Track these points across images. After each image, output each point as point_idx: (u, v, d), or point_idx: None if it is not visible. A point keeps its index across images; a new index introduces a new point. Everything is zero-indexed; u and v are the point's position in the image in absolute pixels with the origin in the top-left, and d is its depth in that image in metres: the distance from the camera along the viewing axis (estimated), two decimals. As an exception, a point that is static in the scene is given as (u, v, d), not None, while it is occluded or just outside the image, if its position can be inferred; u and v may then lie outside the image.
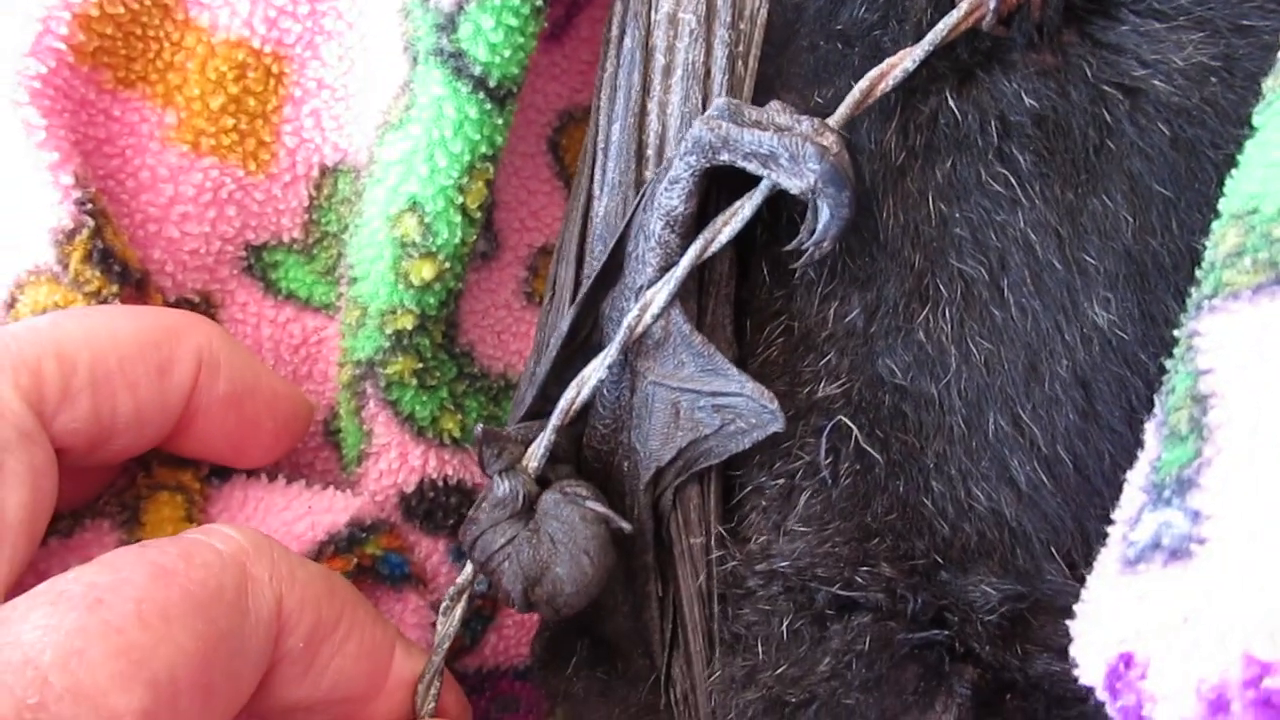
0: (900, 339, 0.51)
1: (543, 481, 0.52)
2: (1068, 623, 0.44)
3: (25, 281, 0.54)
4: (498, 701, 0.67)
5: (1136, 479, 0.44)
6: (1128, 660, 0.39)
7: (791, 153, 0.48)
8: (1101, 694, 0.40)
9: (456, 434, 0.63)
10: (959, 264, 0.51)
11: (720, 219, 0.50)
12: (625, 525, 0.51)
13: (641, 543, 0.54)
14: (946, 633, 0.50)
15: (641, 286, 0.51)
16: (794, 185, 0.48)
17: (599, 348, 0.52)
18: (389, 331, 0.59)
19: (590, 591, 0.51)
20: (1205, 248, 0.44)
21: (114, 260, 0.54)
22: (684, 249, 0.50)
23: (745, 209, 0.50)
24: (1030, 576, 0.51)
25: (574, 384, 0.51)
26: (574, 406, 0.51)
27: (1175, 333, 0.44)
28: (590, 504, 0.51)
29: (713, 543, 0.53)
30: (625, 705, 0.57)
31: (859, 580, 0.51)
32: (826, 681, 0.50)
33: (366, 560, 0.59)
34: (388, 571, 0.60)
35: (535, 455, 0.52)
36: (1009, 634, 0.50)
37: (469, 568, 0.53)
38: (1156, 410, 0.44)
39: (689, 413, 0.52)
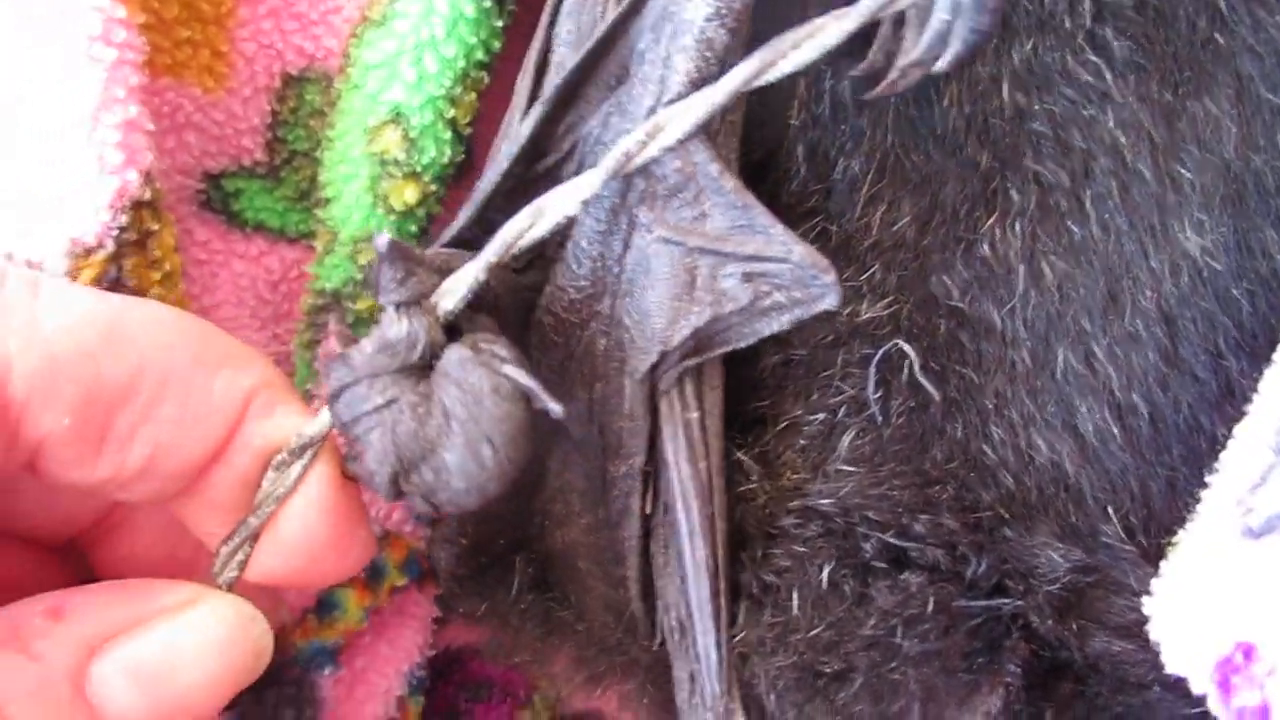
0: (960, 253, 0.40)
1: (450, 331, 0.36)
2: (1144, 600, 0.36)
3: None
4: (466, 688, 0.55)
5: (1256, 435, 0.35)
6: (1248, 652, 0.32)
7: None
8: (1204, 688, 0.33)
9: None
10: (1035, 166, 0.40)
11: (793, 34, 0.34)
12: (555, 406, 0.35)
13: (630, 445, 0.41)
14: (1014, 603, 0.39)
15: (654, 106, 0.36)
16: None
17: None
18: (362, 261, 0.47)
19: (487, 491, 0.35)
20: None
21: (124, 291, 0.42)
22: (729, 61, 0.35)
23: (836, 25, 0.33)
24: (1087, 539, 0.41)
25: (528, 210, 0.36)
26: (521, 241, 0.36)
27: None
28: (509, 370, 0.35)
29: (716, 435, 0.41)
30: (579, 644, 0.46)
31: (917, 529, 0.40)
32: (867, 650, 0.40)
33: (397, 598, 0.49)
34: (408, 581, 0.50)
35: (452, 293, 0.36)
36: (1066, 607, 0.40)
37: (323, 416, 0.37)
38: None
39: (709, 281, 0.38)
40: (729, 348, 0.39)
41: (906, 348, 0.40)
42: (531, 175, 0.39)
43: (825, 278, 0.36)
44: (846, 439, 0.41)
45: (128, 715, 0.34)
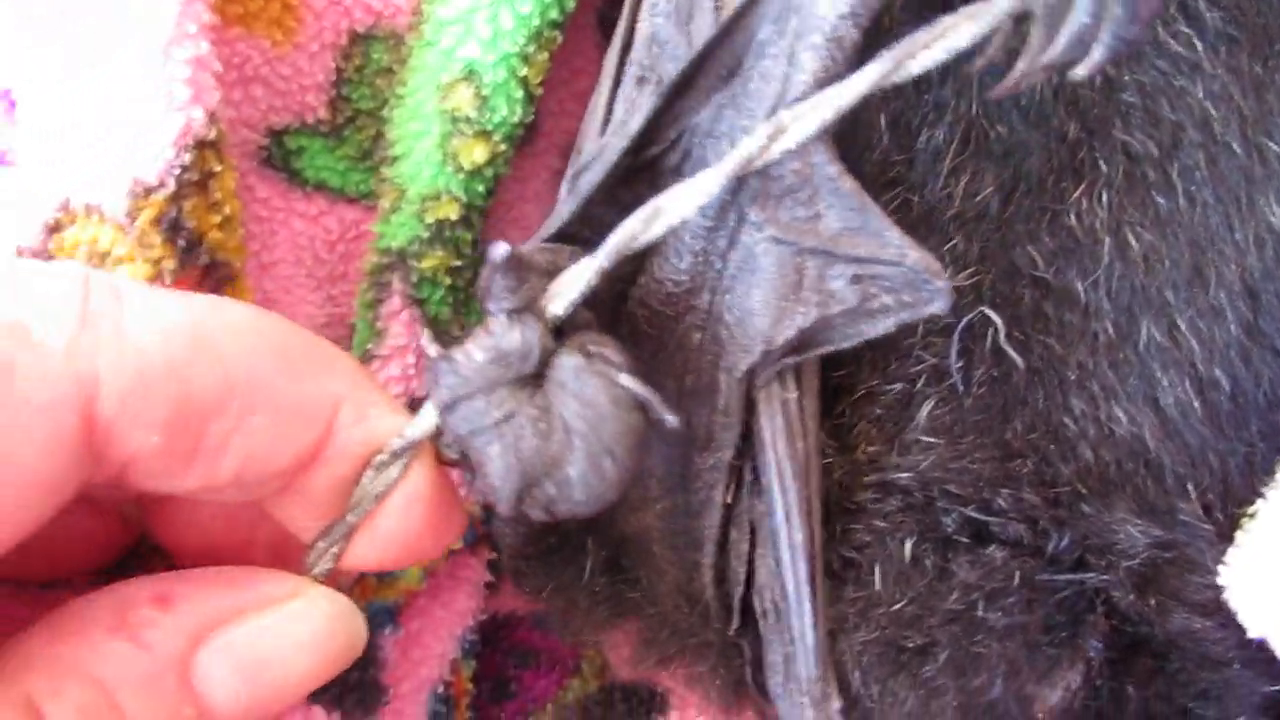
0: (1045, 223, 0.40)
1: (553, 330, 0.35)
2: (1220, 570, 0.37)
3: (80, 215, 0.41)
4: (514, 654, 0.54)
5: None
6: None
7: None
8: None
9: (458, 337, 0.50)
10: (1124, 136, 0.39)
11: (924, 34, 0.32)
12: (671, 418, 0.34)
13: (721, 439, 0.40)
14: (1099, 577, 0.39)
15: (777, 101, 0.34)
16: None
17: (675, 175, 0.37)
18: (429, 220, 0.47)
19: (605, 500, 0.35)
20: None
21: (183, 233, 0.41)
22: (856, 59, 0.33)
23: (969, 26, 0.31)
24: (1165, 515, 0.40)
25: (643, 212, 0.34)
26: (637, 243, 0.34)
27: None
28: (625, 380, 0.34)
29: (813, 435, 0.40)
30: (650, 626, 0.45)
31: (999, 503, 0.39)
32: (950, 625, 0.39)
33: (451, 561, 0.49)
34: (462, 545, 0.49)
35: (562, 297, 0.34)
36: (1145, 583, 0.40)
37: (424, 417, 0.36)
38: None
39: (817, 281, 0.36)
40: (831, 348, 0.38)
41: (992, 314, 0.39)
42: (634, 165, 0.38)
43: (938, 283, 0.35)
44: (925, 409, 0.40)
45: (228, 704, 0.35)
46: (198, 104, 0.40)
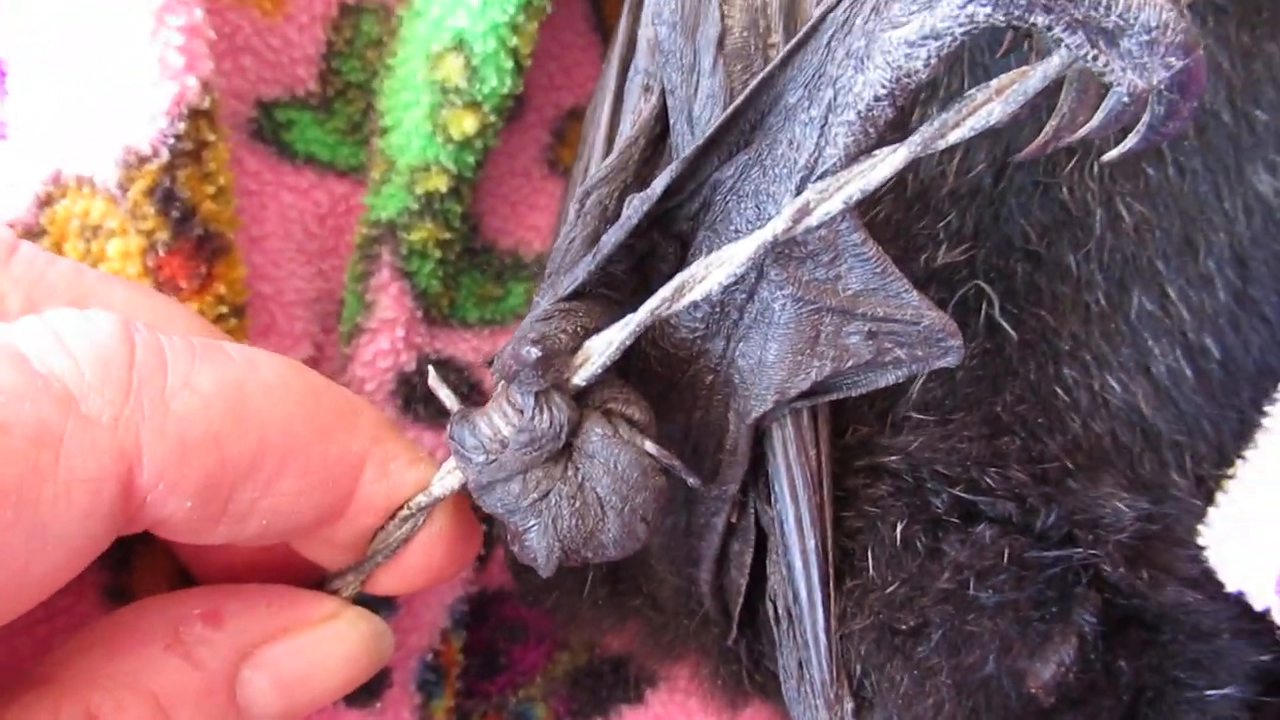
0: (1037, 197, 0.40)
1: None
2: (1200, 529, 0.38)
3: (71, 187, 0.41)
4: (503, 629, 0.54)
5: None
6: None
7: (1148, 31, 0.29)
8: (1268, 601, 0.36)
9: (446, 312, 0.50)
10: None
11: (954, 113, 0.32)
12: (695, 480, 0.37)
13: (727, 475, 0.40)
14: (1088, 552, 0.39)
15: (806, 172, 0.34)
16: (1125, 80, 0.30)
17: (689, 221, 0.38)
18: (419, 192, 0.47)
19: (633, 550, 0.37)
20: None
21: (176, 204, 0.41)
22: (887, 135, 0.33)
23: (1001, 107, 0.31)
24: (1156, 490, 0.41)
25: (667, 289, 0.35)
26: (660, 316, 0.35)
27: None
28: (650, 448, 0.35)
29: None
30: (653, 630, 0.46)
31: (987, 482, 0.40)
32: (942, 604, 0.39)
33: None
34: None
35: (585, 369, 0.35)
36: (1135, 556, 0.40)
37: (448, 477, 0.37)
38: None
39: (833, 337, 0.36)
40: (840, 395, 0.38)
41: (986, 287, 0.40)
42: (650, 213, 0.38)
43: (953, 341, 0.36)
44: (918, 383, 0.41)
45: (265, 716, 0.36)
46: (191, 72, 0.40)
